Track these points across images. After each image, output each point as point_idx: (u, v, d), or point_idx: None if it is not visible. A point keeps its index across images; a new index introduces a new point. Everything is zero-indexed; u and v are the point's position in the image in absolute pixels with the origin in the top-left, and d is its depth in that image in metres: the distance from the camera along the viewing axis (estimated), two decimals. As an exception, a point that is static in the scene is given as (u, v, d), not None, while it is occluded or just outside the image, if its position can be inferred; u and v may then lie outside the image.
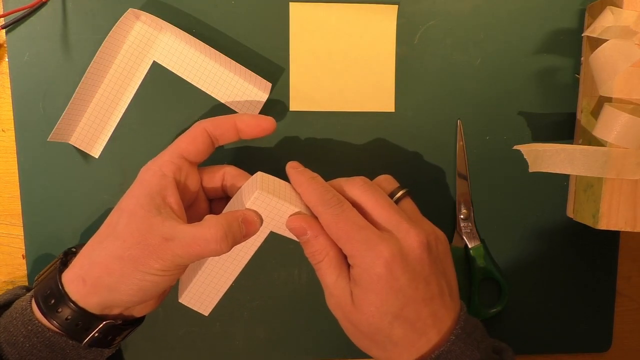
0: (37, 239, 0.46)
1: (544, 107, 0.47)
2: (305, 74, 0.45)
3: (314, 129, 0.46)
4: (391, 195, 0.40)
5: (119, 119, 0.45)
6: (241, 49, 0.45)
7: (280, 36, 0.45)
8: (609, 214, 0.41)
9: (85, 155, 0.45)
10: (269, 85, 0.44)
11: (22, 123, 0.44)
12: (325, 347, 0.49)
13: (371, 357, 0.50)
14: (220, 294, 0.41)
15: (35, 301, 0.37)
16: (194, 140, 0.39)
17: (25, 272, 0.46)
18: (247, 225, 0.37)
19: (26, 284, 0.46)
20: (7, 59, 0.44)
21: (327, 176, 0.47)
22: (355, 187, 0.39)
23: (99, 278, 0.35)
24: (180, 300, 0.41)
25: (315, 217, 0.38)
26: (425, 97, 0.46)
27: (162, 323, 0.47)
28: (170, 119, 0.45)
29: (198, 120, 0.45)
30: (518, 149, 0.42)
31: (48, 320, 0.36)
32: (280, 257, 0.47)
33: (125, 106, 0.45)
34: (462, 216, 0.47)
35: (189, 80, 0.45)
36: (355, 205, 0.38)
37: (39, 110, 0.44)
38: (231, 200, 0.40)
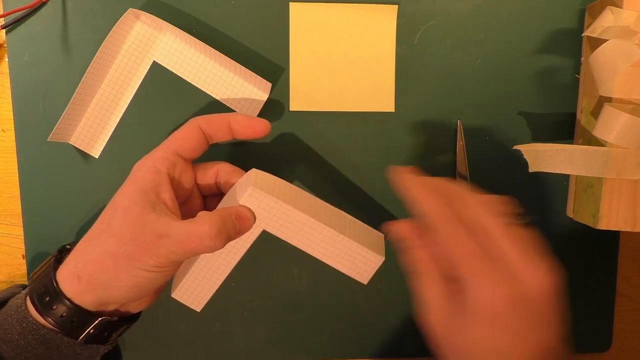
0: (37, 239, 0.46)
1: (544, 107, 0.47)
2: (305, 74, 0.45)
3: (314, 129, 0.46)
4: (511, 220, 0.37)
5: (119, 119, 0.45)
6: (241, 49, 0.45)
7: (280, 36, 0.45)
8: (609, 214, 0.41)
9: (85, 155, 0.45)
10: (269, 85, 0.44)
11: (22, 123, 0.44)
12: (325, 347, 0.49)
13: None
14: (213, 290, 0.41)
15: (30, 299, 0.37)
16: (188, 137, 0.39)
17: (25, 272, 0.46)
18: (240, 222, 0.37)
19: (26, 283, 0.46)
20: (7, 59, 0.44)
21: (327, 176, 0.47)
22: (480, 206, 0.35)
23: (93, 275, 0.35)
24: (172, 295, 0.41)
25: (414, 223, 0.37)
26: (425, 97, 0.46)
27: (161, 322, 0.47)
28: (170, 119, 0.45)
29: (198, 120, 0.45)
30: (518, 148, 0.42)
31: (43, 318, 0.36)
32: (280, 257, 0.47)
33: (125, 106, 0.45)
34: (462, 216, 0.47)
35: (189, 80, 0.45)
36: (475, 223, 0.35)
37: (39, 110, 0.44)
38: (225, 196, 0.40)
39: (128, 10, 0.42)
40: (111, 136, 0.45)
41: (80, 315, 0.36)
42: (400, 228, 0.38)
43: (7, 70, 0.44)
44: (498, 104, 0.47)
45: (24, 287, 0.42)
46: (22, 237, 0.46)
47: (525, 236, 0.35)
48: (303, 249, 0.40)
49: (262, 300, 0.48)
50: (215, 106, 0.45)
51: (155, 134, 0.45)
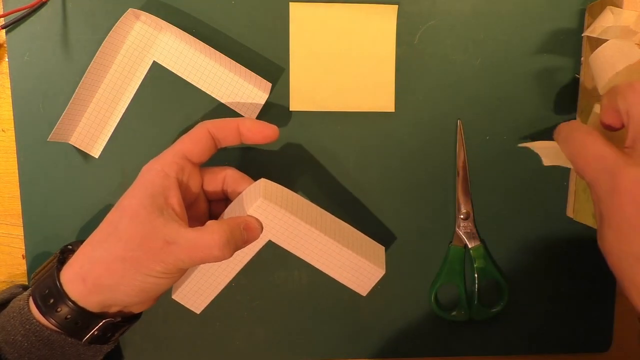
0: (37, 239, 0.46)
1: (544, 107, 0.47)
2: (305, 74, 0.45)
3: (314, 129, 0.46)
4: None
5: (119, 119, 0.45)
6: (241, 49, 0.45)
7: (280, 36, 0.45)
8: None
9: (85, 155, 0.45)
10: (269, 85, 0.44)
11: (22, 123, 0.44)
12: (325, 347, 0.49)
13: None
14: (214, 295, 0.42)
15: (34, 300, 0.37)
16: (197, 141, 0.39)
17: (25, 272, 0.46)
18: (248, 232, 0.37)
19: (25, 283, 0.46)
20: (7, 59, 0.44)
21: (327, 176, 0.47)
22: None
23: (99, 278, 0.35)
24: (173, 297, 0.41)
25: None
26: (425, 97, 0.46)
27: (162, 323, 0.47)
28: (170, 119, 0.45)
29: (198, 120, 0.45)
30: (526, 146, 0.41)
31: (47, 319, 0.36)
32: (280, 257, 0.47)
33: (125, 106, 0.45)
34: (462, 216, 0.47)
35: (189, 80, 0.45)
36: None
37: (39, 110, 0.44)
38: (232, 204, 0.40)
39: (128, 10, 0.42)
40: (111, 136, 0.45)
41: (84, 317, 0.36)
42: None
43: (7, 70, 0.44)
44: (498, 104, 0.47)
45: (24, 287, 0.42)
46: (22, 237, 0.46)
47: None
48: (306, 260, 0.40)
49: (262, 300, 0.48)
50: (215, 106, 0.45)
51: (155, 134, 0.45)
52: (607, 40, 0.41)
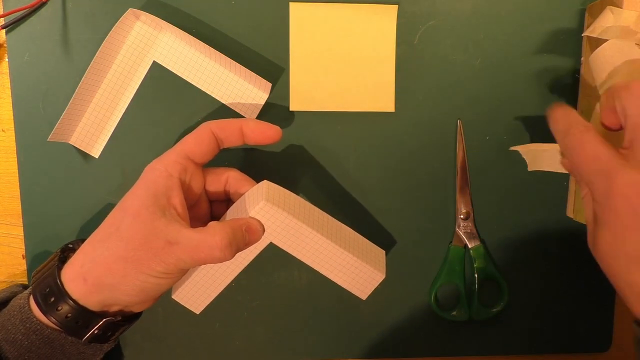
0: (37, 239, 0.46)
1: (544, 107, 0.47)
2: (305, 74, 0.45)
3: (314, 129, 0.46)
4: None
5: (119, 119, 0.45)
6: (241, 49, 0.45)
7: (280, 36, 0.45)
8: None
9: (85, 155, 0.45)
10: (269, 85, 0.44)
11: (22, 123, 0.44)
12: (325, 347, 0.49)
13: None
14: (214, 295, 0.42)
15: (34, 298, 0.37)
16: (200, 141, 0.39)
17: (25, 272, 0.46)
18: (250, 234, 0.37)
19: (26, 283, 0.46)
20: (7, 59, 0.44)
21: (327, 176, 0.47)
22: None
23: (100, 277, 0.35)
24: (173, 297, 0.41)
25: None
26: (425, 97, 0.46)
27: (162, 323, 0.47)
28: (170, 119, 0.45)
29: (198, 120, 0.45)
30: (515, 149, 0.41)
31: (47, 318, 0.36)
32: (280, 258, 0.47)
33: (125, 106, 0.45)
34: (462, 216, 0.47)
35: (189, 80, 0.45)
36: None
37: (39, 110, 0.44)
38: (234, 205, 0.40)
39: (128, 10, 0.42)
40: (111, 136, 0.45)
41: (85, 316, 0.36)
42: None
43: (7, 70, 0.44)
44: (498, 104, 0.47)
45: (24, 286, 0.42)
46: (22, 237, 0.46)
47: None
48: (306, 262, 0.40)
49: (262, 300, 0.48)
50: (216, 106, 0.45)
51: (155, 134, 0.45)
52: (607, 40, 0.41)
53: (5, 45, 0.44)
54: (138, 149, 0.45)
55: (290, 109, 0.46)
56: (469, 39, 0.46)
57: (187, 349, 0.48)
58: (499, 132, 0.47)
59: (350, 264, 0.40)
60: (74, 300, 0.36)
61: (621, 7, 0.40)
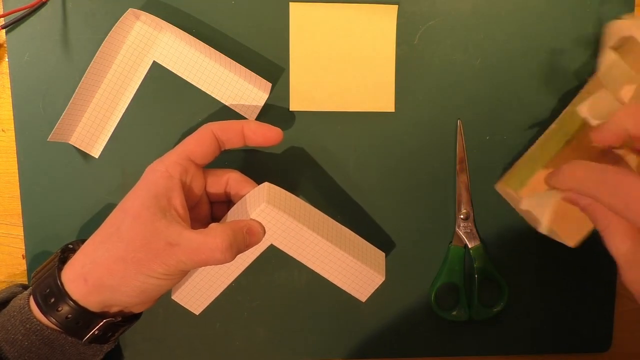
0: (37, 239, 0.46)
1: (544, 107, 0.47)
2: (305, 74, 0.45)
3: (314, 129, 0.46)
4: None
5: (119, 119, 0.45)
6: (241, 49, 0.45)
7: (280, 36, 0.45)
8: (534, 188, 0.41)
9: (85, 155, 0.45)
10: (269, 85, 0.44)
11: (22, 123, 0.44)
12: (325, 347, 0.49)
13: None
14: (214, 296, 0.42)
15: (34, 299, 0.37)
16: (201, 142, 0.39)
17: (25, 272, 0.46)
18: (251, 236, 0.37)
19: (26, 283, 0.46)
20: (7, 59, 0.44)
21: (327, 176, 0.47)
22: None
23: (101, 278, 0.35)
24: (173, 297, 0.41)
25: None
26: (425, 97, 0.46)
27: (162, 323, 0.47)
28: (170, 119, 0.45)
29: (198, 120, 0.45)
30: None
31: (47, 319, 0.36)
32: (280, 257, 0.47)
33: (125, 106, 0.45)
34: (462, 216, 0.47)
35: (189, 80, 0.45)
36: None
37: (39, 110, 0.44)
38: (234, 207, 0.40)
39: (128, 10, 0.42)
40: (111, 136, 0.45)
41: (85, 317, 0.36)
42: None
43: (7, 70, 0.44)
44: (498, 104, 0.47)
45: (23, 286, 0.42)
46: (22, 237, 0.46)
47: None
48: (306, 264, 0.40)
49: (262, 300, 0.48)
50: (215, 106, 0.45)
51: (155, 134, 0.45)
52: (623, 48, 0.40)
53: (5, 45, 0.44)
54: (138, 149, 0.45)
55: (290, 109, 0.46)
56: (469, 39, 0.46)
57: (187, 349, 0.48)
58: (499, 132, 0.47)
59: (350, 267, 0.41)
60: (74, 301, 0.36)
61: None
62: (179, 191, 0.37)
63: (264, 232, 0.38)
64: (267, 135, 0.40)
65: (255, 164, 0.46)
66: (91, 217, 0.46)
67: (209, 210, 0.42)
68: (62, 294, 0.36)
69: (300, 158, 0.46)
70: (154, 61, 0.44)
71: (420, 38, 0.46)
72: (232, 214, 0.40)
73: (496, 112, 0.47)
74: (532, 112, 0.47)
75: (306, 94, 0.45)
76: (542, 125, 0.47)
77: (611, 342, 0.50)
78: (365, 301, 0.42)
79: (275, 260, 0.47)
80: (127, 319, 0.39)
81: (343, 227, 0.42)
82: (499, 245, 0.48)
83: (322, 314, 0.48)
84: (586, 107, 0.41)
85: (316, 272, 0.41)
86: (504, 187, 0.45)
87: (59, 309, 0.36)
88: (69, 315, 0.36)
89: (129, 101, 0.45)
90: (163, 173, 0.37)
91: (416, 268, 0.48)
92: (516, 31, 0.46)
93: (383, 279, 0.41)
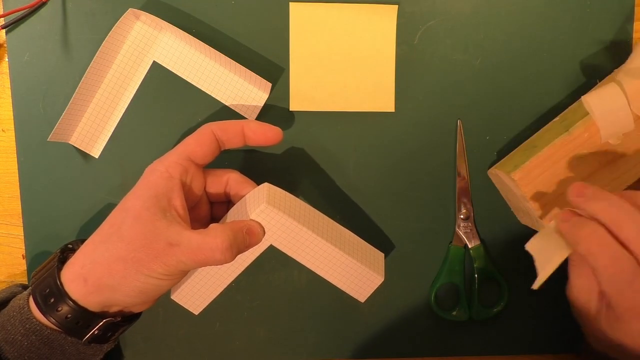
0: (37, 239, 0.46)
1: (544, 107, 0.47)
2: (305, 74, 0.45)
3: (314, 129, 0.46)
4: None
5: (119, 119, 0.45)
6: (241, 49, 0.45)
7: (280, 36, 0.45)
8: (528, 171, 0.41)
9: (85, 155, 0.45)
10: (269, 85, 0.44)
11: (22, 123, 0.44)
12: (325, 347, 0.49)
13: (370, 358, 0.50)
14: (213, 296, 0.42)
15: (34, 299, 0.37)
16: (201, 142, 0.39)
17: (25, 271, 0.46)
18: (250, 237, 0.37)
19: (25, 283, 0.46)
20: (7, 59, 0.44)
21: (327, 176, 0.47)
22: None
23: (101, 278, 0.35)
24: (172, 297, 0.41)
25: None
26: (425, 97, 0.46)
27: (162, 323, 0.47)
28: (170, 119, 0.45)
29: (198, 120, 0.45)
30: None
31: (47, 319, 0.36)
32: (280, 257, 0.47)
33: (125, 106, 0.45)
34: (462, 216, 0.47)
35: (189, 80, 0.45)
36: None
37: (39, 110, 0.44)
38: (234, 207, 0.40)
39: (128, 10, 0.42)
40: (111, 136, 0.45)
41: (85, 317, 0.36)
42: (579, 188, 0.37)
43: (7, 70, 0.44)
44: (498, 104, 0.47)
45: (23, 286, 0.42)
46: (22, 237, 0.46)
47: None
48: (306, 265, 0.40)
49: (262, 300, 0.48)
50: (215, 106, 0.45)
51: (155, 134, 0.45)
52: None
53: (5, 45, 0.44)
54: (138, 149, 0.45)
55: (290, 109, 0.46)
56: (469, 39, 0.46)
57: (187, 349, 0.48)
58: (499, 132, 0.47)
59: (349, 267, 0.41)
60: (73, 301, 0.36)
61: None
62: (179, 191, 0.37)
63: (264, 233, 0.38)
64: (267, 135, 0.40)
65: (255, 164, 0.46)
66: (91, 217, 0.46)
67: (208, 210, 0.42)
68: (61, 294, 0.36)
69: (300, 158, 0.46)
70: (154, 61, 0.44)
71: (420, 38, 0.46)
72: (232, 215, 0.40)
73: (496, 112, 0.47)
74: (532, 112, 0.47)
75: (306, 94, 0.45)
76: (542, 125, 0.47)
77: (611, 342, 0.50)
78: (365, 301, 0.42)
79: (275, 260, 0.47)
80: (127, 318, 0.39)
81: (343, 228, 0.42)
82: (499, 245, 0.48)
83: (322, 314, 0.48)
84: (591, 97, 0.41)
85: (316, 273, 0.41)
86: (496, 172, 0.45)
87: (59, 309, 0.36)
88: (69, 315, 0.36)
89: (129, 101, 0.45)
90: (163, 173, 0.37)
91: (416, 268, 0.48)
92: (516, 31, 0.46)
93: (382, 279, 0.42)
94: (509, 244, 0.48)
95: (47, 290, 0.36)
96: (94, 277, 0.35)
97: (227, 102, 0.45)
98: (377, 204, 0.47)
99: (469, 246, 0.47)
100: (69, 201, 0.45)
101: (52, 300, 0.36)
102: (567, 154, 0.41)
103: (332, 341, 0.49)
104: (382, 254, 0.43)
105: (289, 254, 0.40)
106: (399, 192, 0.47)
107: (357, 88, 0.45)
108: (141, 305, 0.39)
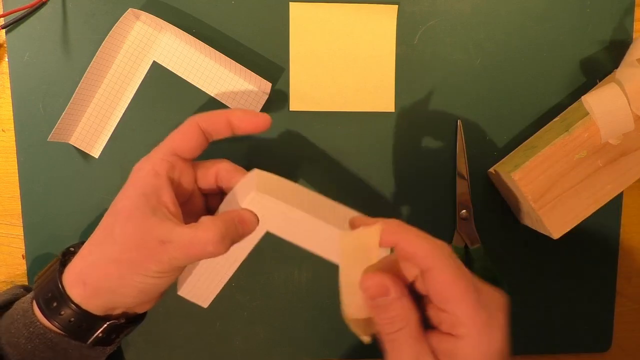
0: (37, 239, 0.46)
1: (543, 106, 0.47)
2: (305, 74, 0.45)
3: (314, 129, 0.46)
4: None
5: (119, 119, 0.45)
6: (241, 49, 0.45)
7: (280, 36, 0.45)
8: (528, 171, 0.41)
9: (85, 155, 0.45)
10: (269, 85, 0.44)
11: (22, 123, 0.44)
12: (325, 347, 0.49)
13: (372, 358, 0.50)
14: (219, 287, 0.41)
15: (37, 303, 0.37)
16: (186, 136, 0.38)
17: (25, 272, 0.46)
18: (243, 226, 0.36)
19: (26, 283, 0.46)
20: (7, 59, 0.44)
21: (327, 176, 0.47)
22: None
23: (98, 281, 0.35)
24: (179, 293, 0.41)
25: (392, 274, 0.32)
26: (425, 97, 0.46)
27: (162, 323, 0.47)
28: (170, 119, 0.45)
29: (198, 120, 0.45)
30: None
31: (50, 322, 0.36)
32: (280, 257, 0.47)
33: (125, 106, 0.45)
34: (462, 216, 0.47)
35: (189, 80, 0.45)
36: None
37: (39, 110, 0.44)
38: (226, 197, 0.40)
39: (128, 10, 0.42)
40: (111, 136, 0.45)
41: (88, 320, 0.36)
42: (372, 282, 0.32)
43: (7, 70, 0.44)
44: (498, 104, 0.47)
45: (25, 287, 0.42)
46: (22, 237, 0.46)
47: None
48: (309, 249, 0.39)
49: (262, 300, 0.48)
50: (215, 106, 0.45)
51: (155, 134, 0.45)
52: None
53: (5, 45, 0.44)
54: (138, 149, 0.45)
55: (290, 109, 0.46)
56: (469, 39, 0.46)
57: (187, 349, 0.48)
58: (499, 132, 0.47)
59: None
60: (76, 305, 0.36)
61: None
62: (167, 188, 0.36)
63: (257, 221, 0.37)
64: (254, 122, 0.39)
65: (254, 164, 0.46)
66: (91, 217, 0.46)
67: (203, 203, 0.41)
68: (63, 298, 0.36)
69: (300, 158, 0.46)
70: (154, 61, 0.44)
71: (420, 38, 0.46)
72: (225, 205, 0.39)
73: (496, 112, 0.47)
74: (532, 112, 0.47)
75: (306, 94, 0.45)
76: (542, 125, 0.47)
77: (611, 342, 0.50)
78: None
79: (274, 259, 0.47)
80: (131, 320, 0.39)
81: (341, 205, 0.40)
82: (499, 245, 0.48)
83: (322, 314, 0.48)
84: (591, 97, 0.41)
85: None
86: (496, 172, 0.45)
87: (62, 312, 0.36)
88: (72, 319, 0.36)
89: (129, 101, 0.45)
90: (149, 171, 0.36)
91: (416, 268, 0.48)
92: (516, 31, 0.46)
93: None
94: (509, 244, 0.48)
95: (50, 295, 0.36)
96: (91, 281, 0.35)
97: (227, 102, 0.45)
98: (377, 203, 0.47)
99: (469, 247, 0.47)
100: (69, 201, 0.45)
101: (55, 304, 0.36)
102: (567, 154, 0.41)
103: (333, 341, 0.49)
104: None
105: (289, 239, 0.38)
106: (399, 192, 0.47)
107: (357, 88, 0.45)
108: (143, 305, 0.39)
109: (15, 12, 0.43)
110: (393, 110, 0.46)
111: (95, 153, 0.45)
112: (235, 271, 0.41)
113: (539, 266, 0.49)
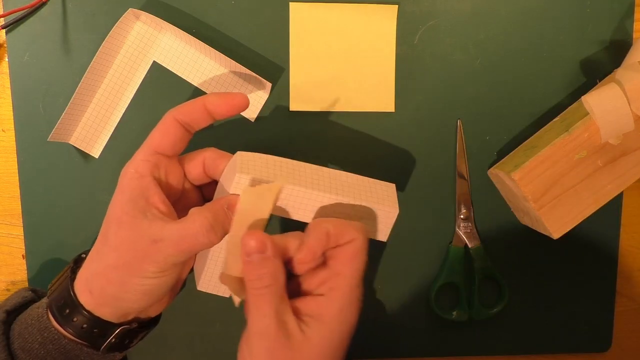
0: (37, 239, 0.46)
1: (543, 106, 0.47)
2: (305, 74, 0.45)
3: (314, 129, 0.46)
4: None
5: (119, 119, 0.45)
6: (241, 49, 0.45)
7: (280, 36, 0.45)
8: (528, 171, 0.41)
9: (85, 155, 0.45)
10: (269, 85, 0.44)
11: (22, 123, 0.44)
12: (325, 347, 0.48)
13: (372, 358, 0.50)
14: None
15: (50, 310, 0.37)
16: (165, 132, 0.37)
17: (25, 272, 0.46)
18: (232, 212, 0.36)
19: (26, 284, 0.46)
20: (7, 59, 0.44)
21: (327, 176, 0.46)
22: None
23: (102, 289, 0.35)
24: (198, 288, 0.41)
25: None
26: (425, 97, 0.46)
27: (162, 323, 0.47)
28: (170, 119, 0.45)
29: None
30: None
31: (64, 329, 0.36)
32: (280, 257, 0.47)
33: (125, 106, 0.45)
34: (462, 216, 0.47)
35: (189, 80, 0.45)
36: None
37: (39, 110, 0.44)
38: (218, 184, 0.39)
39: (128, 10, 0.42)
40: (111, 136, 0.45)
41: (100, 326, 0.36)
42: (252, 239, 0.34)
43: (7, 70, 0.44)
44: (498, 104, 0.47)
45: (32, 290, 0.42)
46: (22, 237, 0.46)
47: None
48: (300, 220, 0.38)
49: (262, 300, 0.48)
50: (215, 106, 0.45)
51: (155, 134, 0.45)
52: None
53: (5, 45, 0.44)
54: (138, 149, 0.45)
55: (290, 109, 0.46)
56: (469, 39, 0.46)
57: (187, 349, 0.48)
58: (499, 132, 0.47)
59: (357, 211, 0.37)
60: (88, 311, 0.36)
61: None
62: (154, 188, 0.36)
63: None
64: (231, 104, 0.38)
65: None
66: (91, 217, 0.46)
67: (198, 196, 0.41)
68: (75, 305, 0.36)
69: (300, 158, 0.46)
70: (154, 61, 0.44)
71: (420, 38, 0.46)
72: (217, 193, 0.38)
73: (496, 112, 0.47)
74: (532, 112, 0.47)
75: (306, 94, 0.45)
76: (542, 125, 0.47)
77: (611, 342, 0.50)
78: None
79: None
80: (145, 324, 0.39)
81: (341, 172, 0.39)
82: (499, 245, 0.48)
83: (322, 314, 0.48)
84: (591, 97, 0.41)
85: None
86: (496, 172, 0.45)
87: (74, 319, 0.36)
88: (84, 325, 0.36)
89: (129, 101, 0.45)
90: (133, 175, 0.36)
91: (416, 268, 0.48)
92: (516, 31, 0.46)
93: (397, 211, 0.38)
94: (509, 244, 0.48)
95: (62, 302, 0.36)
96: (97, 289, 0.36)
97: (227, 102, 0.45)
98: (377, 204, 0.47)
99: (469, 246, 0.47)
100: (69, 201, 0.45)
101: (67, 311, 0.36)
102: (567, 154, 0.41)
103: (332, 341, 0.48)
104: (393, 185, 0.40)
105: (290, 217, 0.37)
106: (398, 192, 0.47)
107: (357, 88, 0.45)
108: (154, 307, 0.39)
109: (15, 12, 0.43)
110: (393, 110, 0.46)
111: (95, 153, 0.45)
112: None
113: (539, 266, 0.49)
